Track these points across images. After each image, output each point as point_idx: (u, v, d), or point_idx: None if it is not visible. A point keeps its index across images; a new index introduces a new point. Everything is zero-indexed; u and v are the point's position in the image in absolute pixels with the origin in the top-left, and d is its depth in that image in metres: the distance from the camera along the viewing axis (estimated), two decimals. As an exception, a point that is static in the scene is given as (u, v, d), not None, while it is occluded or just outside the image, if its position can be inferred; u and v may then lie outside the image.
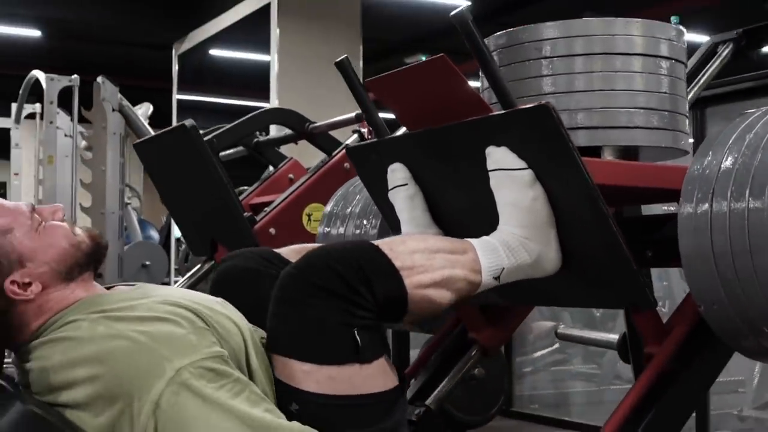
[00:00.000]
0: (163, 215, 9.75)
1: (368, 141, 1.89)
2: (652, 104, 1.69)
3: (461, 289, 1.50)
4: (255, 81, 8.18)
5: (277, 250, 1.78)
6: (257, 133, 4.18)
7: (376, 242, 1.47)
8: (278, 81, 7.21)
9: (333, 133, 3.95)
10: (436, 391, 1.95)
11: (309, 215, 3.60)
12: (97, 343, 1.33)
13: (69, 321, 1.39)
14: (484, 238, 1.57)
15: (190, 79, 9.27)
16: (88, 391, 1.30)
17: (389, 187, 1.82)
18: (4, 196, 6.65)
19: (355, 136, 3.87)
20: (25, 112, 7.28)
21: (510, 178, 1.55)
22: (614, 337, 2.34)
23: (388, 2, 8.69)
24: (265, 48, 7.46)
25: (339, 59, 1.79)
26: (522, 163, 1.54)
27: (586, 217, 1.50)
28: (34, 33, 10.01)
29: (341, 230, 2.34)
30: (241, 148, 4.25)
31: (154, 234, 9.36)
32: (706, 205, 1.37)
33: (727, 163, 1.36)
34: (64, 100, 5.63)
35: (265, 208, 3.61)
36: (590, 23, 1.70)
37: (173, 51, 8.93)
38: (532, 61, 1.72)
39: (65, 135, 5.70)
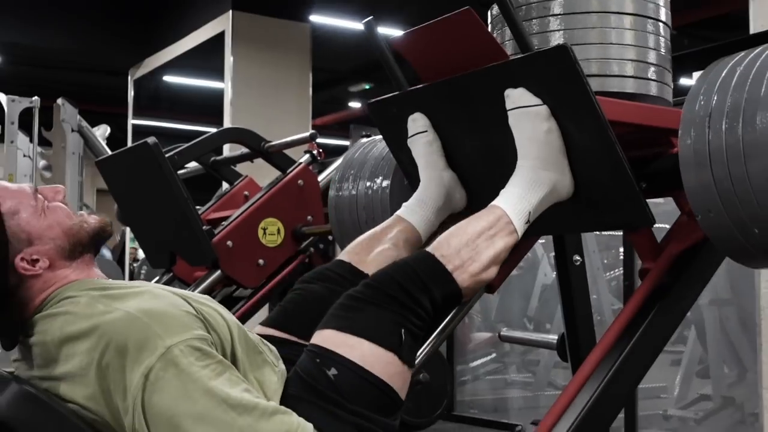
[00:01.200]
0: (118, 233, 9.64)
1: (389, 95, 1.95)
2: (641, 57, 1.82)
3: (504, 255, 1.62)
4: (209, 107, 8.16)
5: (343, 256, 1.85)
6: (213, 152, 4.17)
7: (428, 249, 1.58)
8: (232, 106, 7.21)
9: (287, 152, 3.96)
10: (434, 334, 1.94)
11: (264, 229, 3.61)
12: (95, 318, 1.35)
13: (68, 296, 1.42)
14: (507, 190, 1.66)
15: (146, 104, 9.21)
16: (83, 363, 1.32)
17: (409, 135, 1.90)
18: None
19: (307, 156, 3.89)
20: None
21: (527, 114, 1.64)
22: (553, 337, 2.38)
23: (335, 34, 8.74)
24: (218, 75, 7.45)
25: (366, 20, 1.85)
26: (538, 101, 1.64)
27: (595, 146, 1.60)
28: (-5, 58, 9.88)
29: (353, 192, 2.40)
30: (198, 166, 4.24)
31: (106, 252, 9.23)
32: (706, 128, 1.47)
33: (720, 98, 1.47)
34: (25, 122, 5.56)
35: (223, 222, 3.60)
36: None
37: (129, 76, 8.87)
38: (538, 18, 1.83)
39: (24, 155, 5.64)
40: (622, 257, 4.65)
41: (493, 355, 5.66)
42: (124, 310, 1.34)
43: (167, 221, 3.42)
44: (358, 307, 1.47)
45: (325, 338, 1.46)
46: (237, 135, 3.93)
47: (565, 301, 2.30)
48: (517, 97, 1.66)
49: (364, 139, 2.56)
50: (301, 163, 3.82)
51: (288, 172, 3.76)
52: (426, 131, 1.88)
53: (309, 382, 1.40)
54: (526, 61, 1.63)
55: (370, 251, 1.82)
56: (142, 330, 1.31)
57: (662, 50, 1.86)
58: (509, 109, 1.67)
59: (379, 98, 1.99)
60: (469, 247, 1.56)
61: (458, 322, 2.06)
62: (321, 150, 3.94)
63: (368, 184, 2.36)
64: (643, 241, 1.80)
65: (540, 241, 5.47)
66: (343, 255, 1.87)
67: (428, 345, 1.98)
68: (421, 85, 1.88)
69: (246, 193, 4.06)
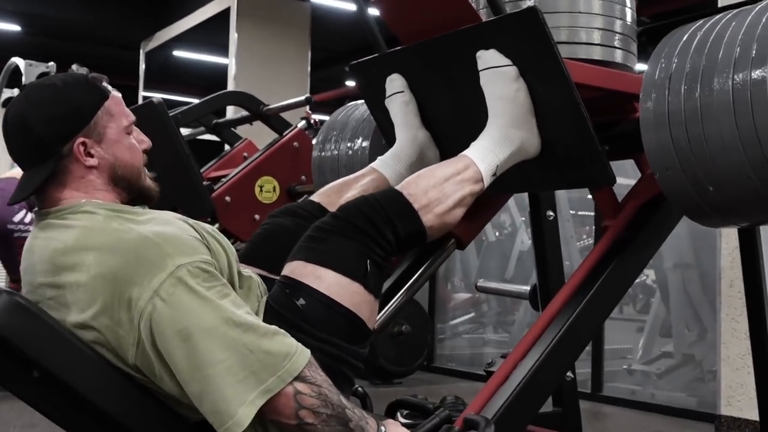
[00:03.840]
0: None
1: (370, 57, 1.93)
2: (608, 26, 1.80)
3: (470, 201, 1.59)
4: (214, 81, 8.10)
5: (315, 197, 1.81)
6: (215, 115, 4.15)
7: (398, 187, 1.55)
8: (235, 81, 7.17)
9: (285, 116, 3.94)
10: (408, 284, 1.91)
11: (261, 186, 3.60)
12: (109, 234, 1.33)
13: (86, 210, 1.39)
14: (477, 143, 1.64)
15: (156, 77, 9.15)
16: (92, 273, 1.30)
17: (386, 95, 1.88)
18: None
19: (303, 122, 3.87)
20: (4, 96, 7.10)
21: (497, 74, 1.62)
22: (526, 288, 2.37)
23: (334, 15, 8.67)
24: (223, 50, 7.40)
25: None
26: (508, 61, 1.62)
27: (562, 106, 1.58)
28: (14, 27, 9.77)
29: (335, 152, 2.37)
30: (201, 128, 4.22)
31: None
32: (666, 90, 1.45)
33: (680, 62, 1.45)
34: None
35: (222, 179, 3.59)
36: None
37: (141, 50, 8.80)
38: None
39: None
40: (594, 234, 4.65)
41: (472, 314, 5.67)
42: (137, 230, 1.32)
43: (170, 177, 3.39)
44: (325, 238, 1.44)
45: (294, 269, 1.44)
46: (237, 97, 3.92)
47: (538, 253, 2.28)
48: (488, 58, 1.63)
49: (350, 103, 2.54)
50: (297, 127, 3.80)
51: (284, 134, 3.74)
52: (403, 91, 1.85)
53: (279, 311, 1.39)
54: (498, 23, 1.61)
55: (341, 195, 1.80)
56: (153, 249, 1.29)
57: (628, 20, 1.84)
58: (481, 70, 1.65)
59: (360, 59, 1.96)
60: (437, 189, 1.55)
61: (435, 270, 2.03)
62: (316, 120, 3.93)
63: (349, 144, 2.34)
64: (605, 198, 1.78)
65: (519, 211, 5.47)
66: (315, 196, 1.84)
67: (404, 291, 1.96)
68: (399, 47, 1.85)
69: (245, 154, 4.04)
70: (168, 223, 1.36)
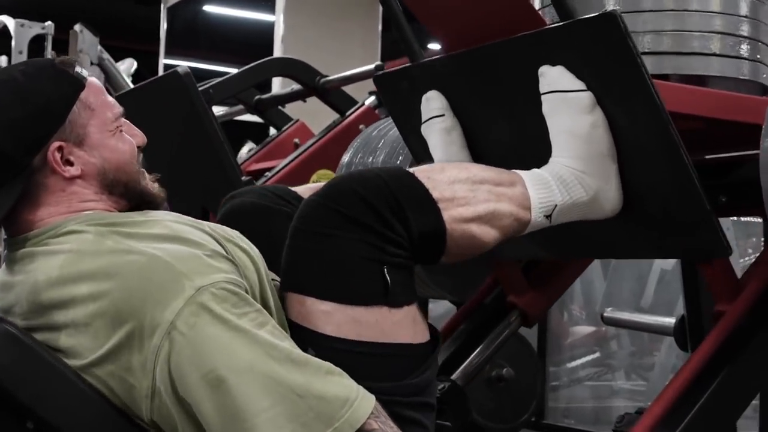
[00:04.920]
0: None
1: (400, 66, 1.89)
2: (730, 29, 1.73)
3: (508, 226, 1.52)
4: (256, 44, 8.19)
5: (293, 188, 1.80)
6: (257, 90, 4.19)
7: (411, 169, 1.49)
8: (284, 43, 7.24)
9: (348, 91, 3.95)
10: (464, 364, 1.94)
11: (317, 182, 3.60)
12: (103, 257, 1.34)
13: (71, 230, 1.41)
14: (535, 170, 1.59)
15: (181, 40, 9.30)
16: (89, 310, 1.31)
17: (423, 120, 1.83)
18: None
19: (372, 98, 3.88)
20: (-11, 66, 7.31)
21: (566, 102, 1.57)
22: (670, 321, 2.33)
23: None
24: (268, 5, 7.48)
25: None
26: (580, 84, 1.56)
27: (653, 148, 1.52)
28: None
29: None
30: (239, 106, 4.26)
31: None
32: None
33: None
34: (35, 52, 5.65)
35: (266, 173, 3.62)
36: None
37: (162, 4, 8.95)
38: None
39: (34, 91, 5.71)
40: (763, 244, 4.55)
41: (597, 354, 5.59)
42: (138, 248, 1.34)
43: (199, 170, 3.45)
44: (314, 249, 1.38)
45: (292, 306, 1.41)
46: (286, 67, 3.95)
47: (686, 273, 2.26)
48: (554, 77, 1.58)
49: (384, 120, 2.51)
50: (364, 104, 3.81)
51: (347, 114, 3.76)
52: (443, 115, 1.82)
53: None
54: (566, 31, 1.55)
55: None
56: (163, 269, 1.30)
57: (760, 18, 1.77)
58: (543, 93, 1.60)
59: (386, 71, 1.95)
60: (467, 186, 1.49)
61: (492, 353, 2.07)
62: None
63: None
64: (718, 274, 1.71)
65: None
66: (304, 192, 1.79)
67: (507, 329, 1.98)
68: (438, 56, 1.82)
69: (296, 140, 4.07)
70: (180, 235, 1.37)
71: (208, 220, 3.52)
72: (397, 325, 1.39)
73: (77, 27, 5.18)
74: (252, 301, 1.32)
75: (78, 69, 1.47)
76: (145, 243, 1.35)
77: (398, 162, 2.27)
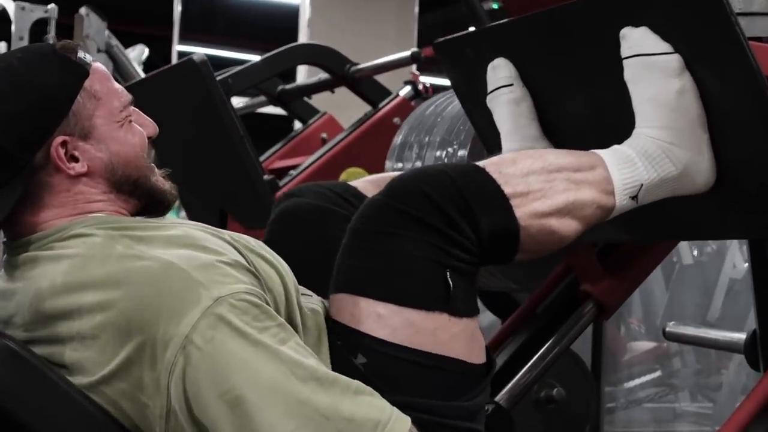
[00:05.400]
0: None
1: (462, 33, 1.92)
2: None
3: (590, 215, 1.53)
4: (279, 29, 8.22)
5: (353, 183, 1.84)
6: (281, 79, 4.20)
7: (481, 163, 1.50)
8: (310, 27, 7.26)
9: (381, 81, 3.96)
10: (512, 383, 1.91)
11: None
12: (112, 263, 1.35)
13: (78, 234, 1.41)
14: (616, 147, 1.59)
15: (197, 24, 9.35)
16: (97, 320, 1.31)
17: (489, 90, 1.85)
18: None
19: (408, 88, 3.89)
20: (-12, 54, 7.35)
21: (651, 66, 1.57)
22: (740, 336, 2.32)
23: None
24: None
25: None
26: (666, 47, 1.56)
27: (747, 116, 1.51)
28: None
29: (417, 162, 2.36)
30: (261, 98, 4.28)
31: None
32: None
33: None
34: (37, 37, 5.69)
35: (291, 172, 3.63)
36: None
37: (176, -15, 9.01)
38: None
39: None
40: None
41: (658, 373, 5.57)
42: (152, 254, 1.34)
43: (216, 168, 3.47)
44: (374, 248, 1.42)
45: (341, 308, 1.43)
46: (313, 54, 3.95)
47: (758, 283, 2.24)
48: (637, 39, 1.58)
49: (441, 94, 2.52)
50: (398, 95, 3.81)
51: (380, 106, 3.76)
52: (511, 85, 1.82)
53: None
54: None
55: None
56: (179, 277, 1.30)
57: None
58: (625, 57, 1.60)
59: (447, 37, 1.95)
60: (543, 177, 1.50)
61: (565, 347, 2.01)
62: (427, 86, 3.94)
63: (438, 153, 2.33)
64: None
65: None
66: (353, 183, 1.84)
67: (558, 342, 1.96)
68: (506, 20, 1.83)
69: (323, 135, 4.08)
70: (198, 240, 1.38)
71: (225, 224, 3.61)
72: (455, 338, 1.40)
73: (83, 10, 5.21)
74: (274, 314, 1.33)
75: (81, 54, 1.47)
76: (159, 249, 1.36)
77: (460, 139, 2.27)
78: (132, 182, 1.49)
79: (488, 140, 1.96)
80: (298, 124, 4.43)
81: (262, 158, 3.93)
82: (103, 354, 1.31)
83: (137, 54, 5.82)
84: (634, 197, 1.56)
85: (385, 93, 3.84)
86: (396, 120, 3.67)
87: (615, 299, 1.88)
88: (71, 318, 1.34)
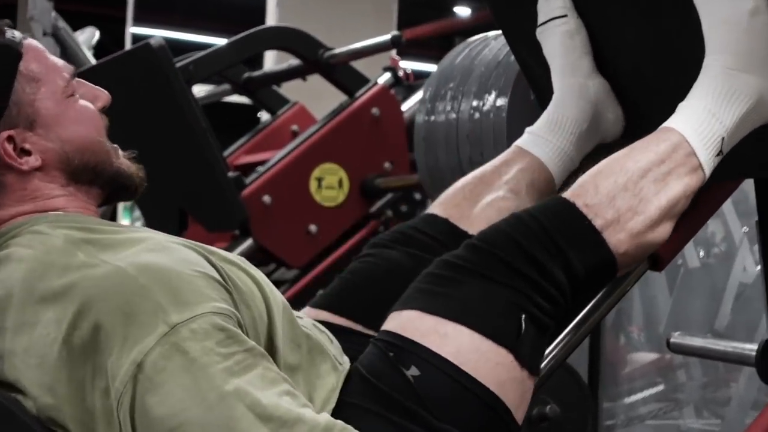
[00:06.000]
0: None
1: None
2: None
3: (683, 207, 1.60)
4: (244, 10, 8.22)
5: (432, 210, 1.87)
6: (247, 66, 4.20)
7: (567, 196, 1.55)
8: (279, 7, 7.25)
9: (358, 67, 3.96)
10: (562, 337, 1.88)
11: (319, 179, 3.63)
12: (71, 272, 1.33)
13: (36, 230, 1.41)
14: (688, 103, 1.62)
15: (153, 5, 9.33)
16: (46, 337, 1.30)
17: (540, 22, 1.89)
18: None
19: (387, 74, 3.89)
20: None
21: None
22: (752, 347, 2.33)
23: None
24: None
25: None
26: None
27: None
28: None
29: (452, 115, 2.36)
30: (225, 86, 4.27)
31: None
32: None
33: None
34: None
35: (258, 168, 3.63)
36: None
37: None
38: None
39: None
40: None
41: (661, 387, 5.59)
42: (113, 265, 1.33)
43: (176, 165, 3.47)
44: (457, 279, 1.47)
45: (405, 322, 1.45)
46: (282, 38, 3.94)
47: (772, 289, 2.25)
48: None
49: (474, 37, 2.53)
50: (377, 83, 3.82)
51: (357, 95, 3.77)
52: (565, 15, 1.86)
53: (376, 386, 1.40)
54: None
55: (477, 201, 1.83)
56: (137, 295, 1.29)
57: None
58: None
59: None
60: (630, 192, 1.55)
61: (604, 313, 2.00)
62: (407, 72, 3.94)
63: (475, 103, 2.34)
64: None
65: (738, 218, 5.38)
66: (436, 207, 1.87)
67: (554, 352, 1.95)
68: None
69: (294, 127, 4.09)
70: (163, 250, 1.37)
71: (186, 224, 3.60)
72: (512, 384, 1.43)
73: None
74: (242, 338, 1.31)
75: (10, 33, 1.46)
76: (122, 256, 1.35)
77: (499, 86, 2.30)
78: (91, 170, 1.49)
79: (535, 79, 2.00)
80: (266, 115, 4.41)
81: (226, 153, 3.93)
82: (54, 376, 1.30)
83: (87, 37, 5.79)
84: (719, 153, 1.61)
85: (362, 81, 3.84)
86: (375, 111, 3.67)
87: (669, 250, 1.83)
88: (22, 332, 1.33)
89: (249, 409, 1.24)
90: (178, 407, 1.24)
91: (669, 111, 1.63)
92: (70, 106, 1.48)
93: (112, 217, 8.88)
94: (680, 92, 1.64)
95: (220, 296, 1.34)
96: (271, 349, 1.40)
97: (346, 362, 1.50)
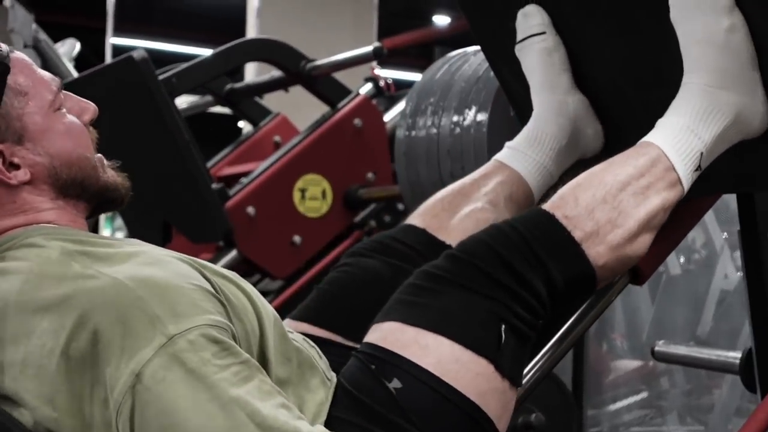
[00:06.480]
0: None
1: None
2: None
3: (662, 219, 1.61)
4: (225, 21, 8.22)
5: (411, 221, 1.88)
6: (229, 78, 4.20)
7: (547, 207, 1.56)
8: (259, 18, 7.25)
9: (340, 78, 3.96)
10: (546, 349, 1.88)
11: (303, 191, 3.63)
12: (66, 283, 1.34)
13: (32, 243, 1.41)
14: (667, 120, 1.64)
15: (133, 15, 9.31)
16: (43, 348, 1.31)
17: (518, 39, 1.90)
18: None
19: (369, 85, 3.90)
20: None
21: (699, 4, 1.62)
22: (735, 355, 2.34)
23: None
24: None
25: None
26: None
27: None
28: None
29: (432, 130, 2.37)
30: (208, 97, 4.27)
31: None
32: None
33: None
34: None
35: (242, 179, 3.63)
36: None
37: (110, -28, 8.97)
38: None
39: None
40: None
41: (645, 394, 5.60)
42: (110, 277, 1.33)
43: (159, 177, 3.46)
44: (437, 290, 1.48)
45: (386, 334, 1.46)
46: (265, 50, 3.94)
47: (754, 295, 2.25)
48: None
49: (454, 53, 2.54)
50: (359, 94, 3.82)
51: (339, 106, 3.77)
52: (544, 33, 1.87)
53: (359, 398, 1.41)
54: None
55: (455, 212, 1.84)
56: (134, 307, 1.29)
57: None
58: None
59: None
60: (609, 205, 1.56)
61: (588, 325, 2.02)
62: (389, 82, 3.95)
63: (456, 118, 2.35)
64: None
65: (719, 226, 5.39)
66: (415, 218, 1.88)
67: (539, 364, 1.95)
68: None
69: (277, 138, 4.09)
70: (158, 263, 1.37)
71: (170, 237, 3.59)
72: (493, 394, 1.44)
73: (7, 2, 5.18)
74: (238, 350, 1.32)
75: None
76: (117, 268, 1.35)
77: (479, 101, 2.30)
78: (78, 184, 1.49)
79: (515, 95, 2.01)
80: (248, 127, 4.42)
81: (209, 164, 3.93)
82: (52, 387, 1.30)
83: (68, 49, 5.77)
84: (698, 169, 1.63)
85: (344, 92, 3.84)
86: (357, 122, 3.68)
87: (649, 264, 1.85)
88: (18, 342, 1.33)
89: (249, 418, 1.25)
90: (178, 417, 1.25)
91: (648, 127, 1.65)
92: (58, 120, 1.48)
93: (94, 227, 8.89)
94: (659, 108, 1.66)
95: (215, 309, 1.34)
96: (263, 362, 1.41)
97: (333, 377, 1.50)
